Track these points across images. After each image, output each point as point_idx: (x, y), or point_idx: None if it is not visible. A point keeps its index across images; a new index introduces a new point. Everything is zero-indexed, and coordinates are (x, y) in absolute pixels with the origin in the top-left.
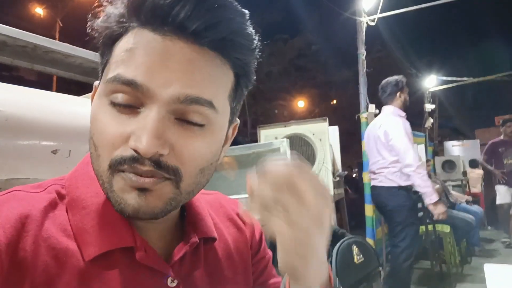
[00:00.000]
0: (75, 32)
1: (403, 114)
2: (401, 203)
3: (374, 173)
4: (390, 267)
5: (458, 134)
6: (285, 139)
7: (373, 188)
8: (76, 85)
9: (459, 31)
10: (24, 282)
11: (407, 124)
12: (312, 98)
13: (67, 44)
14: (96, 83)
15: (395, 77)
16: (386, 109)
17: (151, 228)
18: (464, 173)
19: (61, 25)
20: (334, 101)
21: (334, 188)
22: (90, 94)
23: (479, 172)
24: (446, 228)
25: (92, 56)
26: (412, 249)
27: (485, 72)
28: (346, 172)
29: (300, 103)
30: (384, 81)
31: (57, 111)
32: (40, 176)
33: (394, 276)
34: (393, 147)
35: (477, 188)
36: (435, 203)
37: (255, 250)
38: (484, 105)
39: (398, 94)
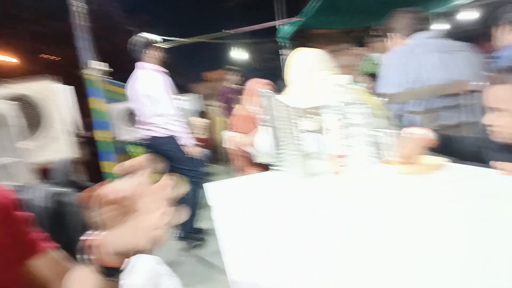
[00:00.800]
0: None
1: (160, 68)
2: (177, 148)
3: (145, 123)
4: (188, 207)
5: (181, 89)
6: (10, 102)
7: (149, 138)
8: None
9: None
10: None
11: (165, 77)
12: (29, 53)
13: None
14: None
15: (144, 35)
16: (141, 65)
17: None
18: (188, 123)
19: None
20: (57, 57)
21: (79, 149)
22: None
23: (204, 120)
24: None
25: None
26: (199, 187)
27: (196, 33)
28: (88, 132)
29: (13, 59)
30: (132, 38)
31: None
32: None
33: (192, 215)
34: (155, 99)
35: (203, 134)
36: (192, 146)
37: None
38: (197, 62)
39: (148, 51)
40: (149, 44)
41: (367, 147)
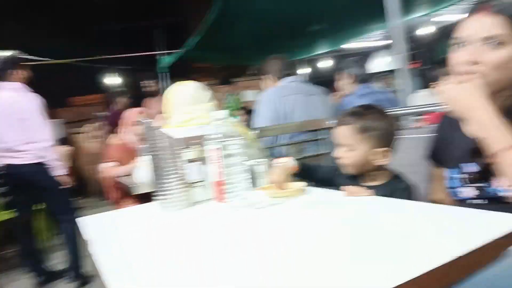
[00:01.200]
0: None
1: (30, 89)
2: (49, 177)
3: (10, 150)
4: (69, 244)
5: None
6: None
7: (18, 167)
8: None
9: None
10: None
11: (39, 99)
12: None
13: None
14: None
15: (7, 54)
16: (9, 85)
17: None
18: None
19: None
20: None
21: None
22: None
23: (67, 148)
24: (41, 205)
25: None
26: (73, 221)
27: (64, 55)
28: None
29: None
30: None
31: None
32: None
33: (74, 252)
34: (28, 123)
35: (67, 163)
36: (65, 176)
37: None
38: (62, 86)
39: (15, 71)
40: (16, 62)
41: (243, 175)
